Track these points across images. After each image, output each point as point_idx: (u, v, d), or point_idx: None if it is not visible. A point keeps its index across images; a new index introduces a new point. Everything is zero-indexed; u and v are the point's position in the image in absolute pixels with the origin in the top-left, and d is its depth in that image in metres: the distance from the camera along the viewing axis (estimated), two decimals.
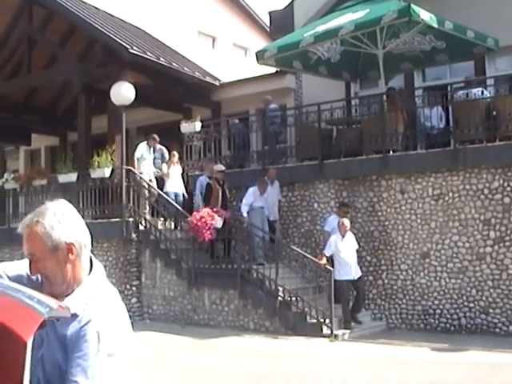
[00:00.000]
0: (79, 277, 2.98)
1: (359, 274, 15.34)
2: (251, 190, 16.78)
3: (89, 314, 2.82)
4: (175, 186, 18.84)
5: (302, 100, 21.07)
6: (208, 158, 19.26)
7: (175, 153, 19.15)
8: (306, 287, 15.93)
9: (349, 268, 14.99)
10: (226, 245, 17.33)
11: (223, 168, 17.66)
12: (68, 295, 2.93)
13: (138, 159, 18.77)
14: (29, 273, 2.98)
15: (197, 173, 19.38)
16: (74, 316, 2.79)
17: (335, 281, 14.86)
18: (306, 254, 15.90)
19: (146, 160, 18.81)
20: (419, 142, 17.04)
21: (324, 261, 15.23)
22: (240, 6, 33.02)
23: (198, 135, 19.69)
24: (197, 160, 19.90)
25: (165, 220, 18.43)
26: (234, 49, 32.54)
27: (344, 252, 15.05)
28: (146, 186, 18.48)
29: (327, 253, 15.22)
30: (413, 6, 15.11)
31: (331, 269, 14.95)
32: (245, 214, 16.60)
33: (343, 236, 15.23)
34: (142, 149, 18.87)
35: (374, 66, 18.21)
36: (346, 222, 15.33)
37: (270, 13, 23.05)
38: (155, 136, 19.59)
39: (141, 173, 18.60)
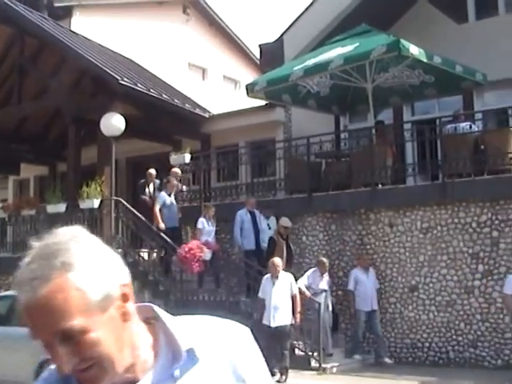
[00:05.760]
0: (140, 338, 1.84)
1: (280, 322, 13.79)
2: (311, 270, 15.94)
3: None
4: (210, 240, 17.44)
5: (292, 133, 21.16)
6: (251, 196, 18.32)
7: (211, 205, 17.96)
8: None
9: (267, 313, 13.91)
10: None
11: (290, 224, 16.66)
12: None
13: (199, 229, 17.38)
14: (59, 372, 1.73)
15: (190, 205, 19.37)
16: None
17: None
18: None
19: (205, 230, 17.37)
20: (407, 175, 17.14)
21: (308, 293, 15.16)
22: (230, 38, 33.21)
23: (187, 167, 19.67)
24: (186, 191, 19.84)
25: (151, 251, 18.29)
26: (225, 81, 32.70)
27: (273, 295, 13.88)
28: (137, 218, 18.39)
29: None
30: (402, 40, 15.26)
31: (319, 302, 14.92)
32: (304, 289, 15.25)
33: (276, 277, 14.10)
34: (203, 221, 17.40)
35: (363, 99, 18.34)
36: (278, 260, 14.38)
37: (260, 46, 23.17)
38: (151, 172, 19.59)
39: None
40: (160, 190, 18.68)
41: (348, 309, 16.50)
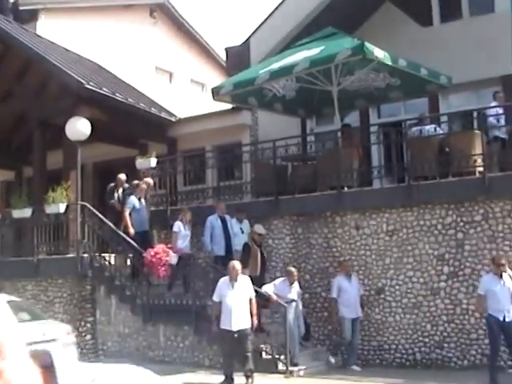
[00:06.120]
0: None
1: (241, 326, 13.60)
2: (280, 279, 15.74)
3: None
4: (186, 244, 17.32)
5: (258, 136, 21.19)
6: (218, 199, 18.24)
7: (187, 210, 17.60)
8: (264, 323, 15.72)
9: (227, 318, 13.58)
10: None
11: (264, 231, 16.65)
12: None
13: (175, 232, 17.19)
14: None
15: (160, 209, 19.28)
16: None
17: None
18: (258, 290, 15.44)
19: (181, 234, 17.14)
20: (374, 178, 17.17)
21: (275, 297, 15.07)
22: (197, 41, 33.15)
23: (153, 171, 19.58)
24: (151, 196, 19.70)
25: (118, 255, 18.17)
26: (192, 84, 32.61)
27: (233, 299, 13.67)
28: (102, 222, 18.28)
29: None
30: (366, 43, 15.32)
31: (285, 305, 14.86)
32: (270, 293, 15.19)
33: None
34: (179, 225, 17.16)
35: (329, 102, 18.35)
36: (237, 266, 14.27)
37: (226, 49, 23.17)
38: (121, 177, 19.56)
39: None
40: (130, 194, 18.57)
41: (315, 312, 16.55)
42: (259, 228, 16.45)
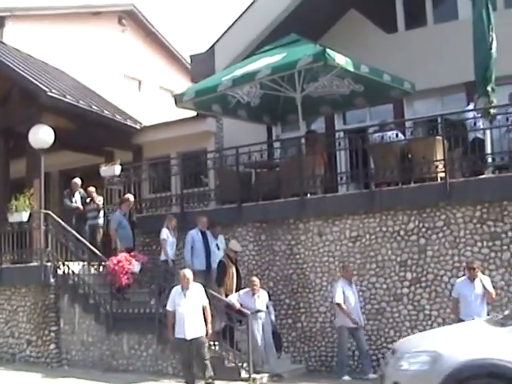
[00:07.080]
0: None
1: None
2: (246, 289, 15.49)
3: None
4: (172, 252, 17.13)
5: (223, 143, 21.15)
6: (199, 212, 17.83)
7: (173, 217, 17.49)
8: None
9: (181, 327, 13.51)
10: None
11: (240, 249, 16.45)
12: None
13: (164, 240, 16.97)
14: None
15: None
16: None
17: None
18: (220, 297, 15.30)
19: (169, 241, 17.00)
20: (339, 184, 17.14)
21: (238, 305, 15.05)
22: (166, 48, 33.08)
23: (118, 179, 19.47)
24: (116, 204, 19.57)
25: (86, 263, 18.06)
26: (161, 91, 32.51)
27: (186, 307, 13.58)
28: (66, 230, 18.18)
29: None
30: (328, 50, 15.34)
31: (248, 313, 14.79)
32: (234, 301, 15.07)
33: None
34: (166, 232, 16.97)
35: (294, 109, 18.35)
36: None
37: (191, 56, 23.13)
38: (76, 181, 19.75)
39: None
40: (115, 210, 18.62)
41: (279, 319, 16.49)
42: (235, 245, 16.25)
